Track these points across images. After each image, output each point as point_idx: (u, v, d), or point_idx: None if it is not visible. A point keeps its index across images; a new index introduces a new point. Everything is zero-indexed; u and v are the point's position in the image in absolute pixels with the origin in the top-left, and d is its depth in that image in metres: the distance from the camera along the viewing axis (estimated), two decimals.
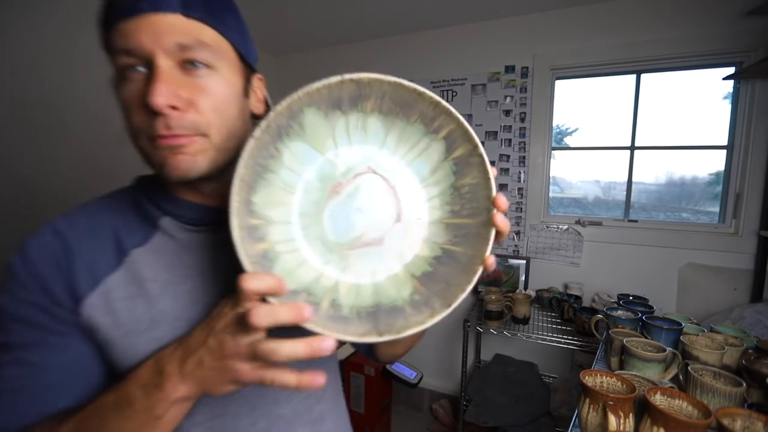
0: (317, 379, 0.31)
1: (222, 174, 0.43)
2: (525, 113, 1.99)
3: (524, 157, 2.01)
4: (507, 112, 2.03)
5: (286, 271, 0.35)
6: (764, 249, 1.58)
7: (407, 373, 1.88)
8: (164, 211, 0.44)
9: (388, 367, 1.86)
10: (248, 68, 0.45)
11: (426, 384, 2.21)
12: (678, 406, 0.68)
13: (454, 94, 2.15)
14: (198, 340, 0.34)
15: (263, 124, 0.33)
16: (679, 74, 1.78)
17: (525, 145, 2.01)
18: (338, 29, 2.19)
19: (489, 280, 2.06)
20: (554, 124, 2.00)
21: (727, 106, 1.72)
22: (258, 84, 0.49)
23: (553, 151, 2.02)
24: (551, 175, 2.03)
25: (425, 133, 0.39)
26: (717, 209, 1.77)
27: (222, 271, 0.45)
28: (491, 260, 0.36)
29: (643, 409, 0.67)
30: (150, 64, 0.37)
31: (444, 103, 0.36)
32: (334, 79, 0.34)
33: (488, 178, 0.37)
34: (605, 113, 1.95)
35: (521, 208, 2.04)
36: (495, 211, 0.37)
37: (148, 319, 0.40)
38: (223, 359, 0.32)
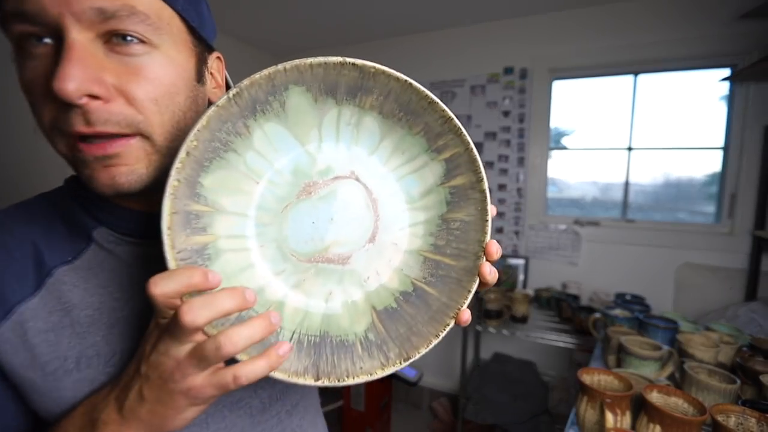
0: (282, 347, 0.27)
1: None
2: (524, 114, 2.01)
3: (523, 158, 2.03)
4: (506, 113, 2.05)
5: (224, 273, 0.29)
6: (758, 249, 1.60)
7: (407, 372, 1.89)
8: (99, 220, 0.36)
9: None
10: (203, 45, 0.36)
11: (426, 382, 2.23)
12: (674, 403, 0.69)
13: (454, 95, 2.16)
14: (130, 372, 0.28)
15: (232, 90, 0.27)
16: (676, 76, 1.79)
17: (524, 145, 2.02)
18: (338, 30, 2.20)
19: None
20: (552, 126, 2.02)
21: (722, 108, 1.74)
22: (217, 65, 0.39)
23: (551, 152, 2.04)
24: (549, 175, 2.05)
25: (426, 149, 0.33)
26: (713, 209, 1.80)
27: None
28: (466, 315, 0.31)
29: (639, 406, 0.69)
30: (59, 36, 0.27)
31: (456, 120, 0.31)
32: (334, 59, 0.28)
33: (485, 220, 0.32)
34: (603, 115, 1.97)
35: (520, 209, 2.06)
36: (483, 259, 0.31)
37: (76, 356, 0.32)
38: (165, 383, 0.26)
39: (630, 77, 1.86)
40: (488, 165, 2.11)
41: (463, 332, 1.78)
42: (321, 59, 0.28)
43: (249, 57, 2.44)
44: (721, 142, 1.73)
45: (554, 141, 2.07)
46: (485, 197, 0.32)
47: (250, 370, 0.26)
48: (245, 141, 0.30)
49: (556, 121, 2.04)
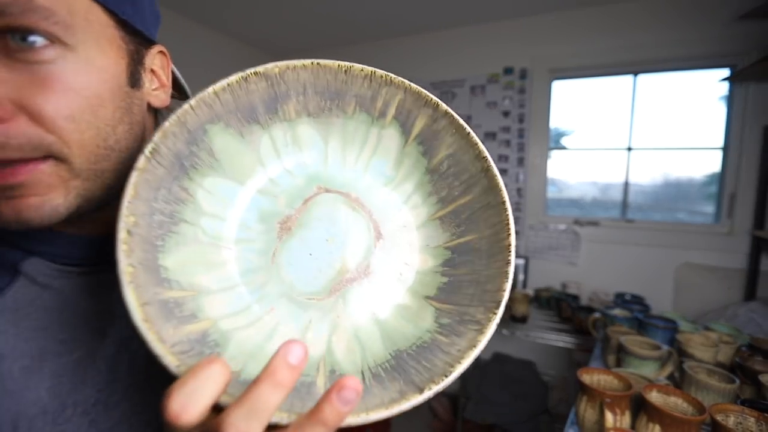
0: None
1: (106, 205, 0.30)
2: (523, 114, 2.01)
3: (523, 158, 2.03)
4: (506, 114, 2.05)
5: (247, 353, 0.24)
6: (757, 249, 1.60)
7: None
8: (27, 249, 0.29)
9: None
10: (139, 40, 0.29)
11: None
12: (673, 403, 0.69)
13: (454, 95, 2.16)
14: None
15: (147, 147, 0.23)
16: (675, 76, 1.80)
17: (524, 146, 2.02)
18: (338, 31, 2.20)
19: None
20: (552, 126, 2.02)
21: (722, 108, 1.74)
22: (160, 61, 0.32)
23: (551, 152, 2.04)
24: (549, 175, 2.05)
25: (371, 122, 0.30)
26: (712, 209, 1.80)
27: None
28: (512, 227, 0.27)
29: (639, 406, 0.69)
30: None
31: (379, 71, 0.28)
32: (235, 77, 0.25)
33: (467, 134, 0.28)
34: (602, 115, 1.97)
35: (520, 209, 2.06)
36: (492, 166, 0.28)
37: (11, 419, 0.26)
38: None
39: (630, 77, 1.87)
40: None
41: None
42: (223, 82, 0.25)
43: (247, 56, 2.44)
44: (720, 143, 1.73)
45: (554, 141, 2.07)
46: (452, 118, 0.28)
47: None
48: (191, 207, 0.26)
49: (555, 122, 2.04)
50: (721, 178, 1.74)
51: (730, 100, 1.70)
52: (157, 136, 0.24)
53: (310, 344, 0.27)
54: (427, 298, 0.29)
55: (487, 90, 2.08)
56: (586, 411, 0.72)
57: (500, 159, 2.08)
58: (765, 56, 1.42)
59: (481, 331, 0.25)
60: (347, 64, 0.28)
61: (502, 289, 0.26)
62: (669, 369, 0.89)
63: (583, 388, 0.74)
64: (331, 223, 0.30)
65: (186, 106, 0.25)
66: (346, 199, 0.31)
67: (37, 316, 0.28)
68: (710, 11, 1.63)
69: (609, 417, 0.67)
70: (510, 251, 0.26)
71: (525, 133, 2.02)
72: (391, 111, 0.30)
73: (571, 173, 2.08)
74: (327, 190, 0.30)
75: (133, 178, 0.22)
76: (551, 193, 2.10)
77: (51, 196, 0.25)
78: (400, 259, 0.30)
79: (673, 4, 1.69)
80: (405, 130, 0.30)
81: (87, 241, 0.31)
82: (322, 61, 0.27)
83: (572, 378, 1.76)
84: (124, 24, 0.27)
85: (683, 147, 1.82)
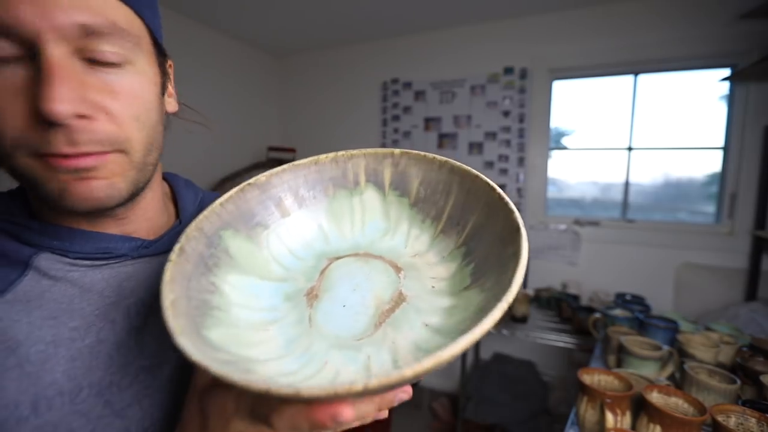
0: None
1: (135, 196, 0.34)
2: (524, 114, 2.01)
3: (523, 158, 2.03)
4: (506, 113, 2.05)
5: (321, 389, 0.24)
6: (758, 249, 1.60)
7: None
8: (38, 245, 0.31)
9: None
10: (162, 54, 0.34)
11: (426, 382, 2.23)
12: (674, 403, 0.69)
13: (454, 95, 2.16)
14: None
15: (176, 246, 0.27)
16: (676, 76, 1.80)
17: (524, 145, 2.02)
18: (338, 31, 2.20)
19: None
20: (552, 126, 2.02)
21: (722, 108, 1.74)
22: (170, 73, 0.37)
23: (551, 152, 2.04)
24: (549, 175, 2.05)
25: (350, 194, 0.36)
26: (713, 209, 1.80)
27: (145, 311, 0.34)
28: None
29: (640, 406, 0.69)
30: (33, 52, 0.25)
31: (340, 153, 0.35)
32: (234, 190, 0.31)
33: (422, 157, 0.33)
34: (603, 115, 1.97)
35: (520, 209, 2.06)
36: (447, 160, 0.33)
37: (31, 400, 0.27)
38: None
39: (630, 77, 1.86)
40: (488, 165, 2.11)
41: None
42: (225, 195, 0.30)
43: (247, 57, 2.44)
44: (721, 142, 1.73)
45: (554, 141, 2.07)
46: (408, 153, 0.34)
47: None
48: (220, 298, 0.28)
49: (556, 121, 2.04)
50: (721, 178, 1.74)
51: (731, 99, 1.69)
52: (182, 238, 0.28)
53: (374, 374, 0.25)
54: (466, 288, 0.30)
55: (488, 90, 2.07)
56: (587, 411, 0.72)
57: (500, 159, 2.08)
58: (765, 56, 1.42)
59: (508, 287, 0.25)
60: (315, 158, 0.33)
61: (517, 238, 0.26)
62: (670, 369, 0.89)
63: (584, 389, 0.73)
64: (352, 277, 0.32)
65: (201, 215, 0.29)
66: (357, 257, 0.34)
67: (47, 307, 0.30)
68: (711, 11, 1.63)
69: (609, 417, 0.67)
70: (503, 200, 0.28)
71: (525, 133, 2.01)
72: (362, 177, 0.35)
73: (571, 173, 2.08)
74: (337, 258, 0.34)
75: (169, 268, 0.26)
76: (551, 193, 2.09)
77: (116, 181, 0.30)
78: (426, 277, 0.32)
79: (674, 4, 1.69)
80: (379, 186, 0.35)
81: (98, 237, 0.33)
82: (297, 162, 0.33)
83: (572, 378, 1.75)
84: (155, 40, 0.32)
85: (684, 147, 1.82)
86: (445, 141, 2.20)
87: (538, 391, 1.79)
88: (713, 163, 1.78)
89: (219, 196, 0.43)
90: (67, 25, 0.25)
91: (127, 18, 0.28)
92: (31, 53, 0.25)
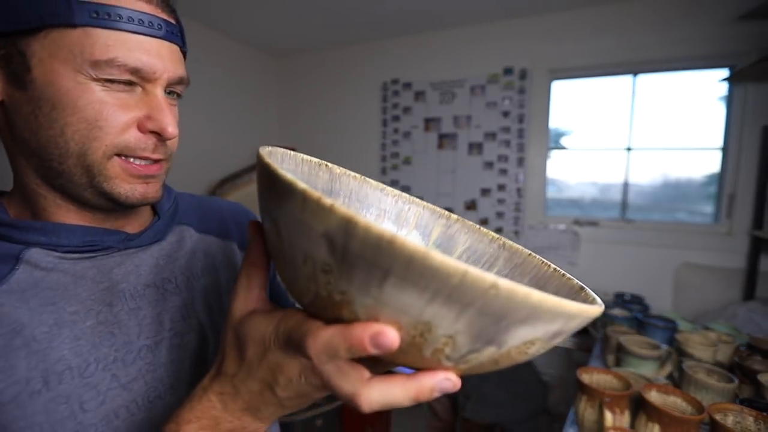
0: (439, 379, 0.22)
1: None
2: (523, 114, 2.01)
3: (522, 158, 2.03)
4: (506, 114, 2.05)
5: None
6: (756, 249, 1.61)
7: (407, 371, 1.90)
8: (26, 242, 0.34)
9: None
10: None
11: None
12: (672, 402, 0.70)
13: (454, 95, 2.16)
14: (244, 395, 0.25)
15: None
16: (675, 77, 1.80)
17: (523, 146, 2.03)
18: (338, 31, 2.20)
19: None
20: (552, 126, 2.03)
21: (721, 108, 1.74)
22: None
23: (550, 152, 2.05)
24: (549, 175, 2.05)
25: (394, 227, 0.37)
26: (711, 210, 1.80)
27: (139, 294, 0.37)
28: None
29: (638, 405, 0.70)
30: (141, 85, 0.34)
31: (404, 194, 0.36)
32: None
33: (477, 229, 0.35)
34: (602, 115, 1.98)
35: (519, 209, 2.06)
36: (503, 239, 0.35)
37: (42, 375, 0.30)
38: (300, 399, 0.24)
39: (629, 78, 1.87)
40: (488, 165, 2.12)
41: None
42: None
43: (247, 57, 2.44)
44: (719, 143, 1.74)
45: (553, 141, 2.08)
46: (462, 221, 0.36)
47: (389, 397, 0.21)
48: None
49: (555, 122, 2.05)
50: (720, 178, 1.75)
51: (730, 100, 1.70)
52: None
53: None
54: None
55: (487, 90, 2.08)
56: (586, 410, 0.72)
57: (500, 159, 2.08)
58: (764, 56, 1.42)
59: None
60: (381, 185, 0.36)
61: (581, 294, 0.27)
62: (668, 368, 0.90)
63: (583, 388, 0.74)
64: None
65: None
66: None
67: (44, 295, 0.32)
68: (709, 11, 1.63)
69: (608, 416, 0.67)
70: (557, 271, 0.29)
71: (525, 133, 2.02)
72: (412, 222, 0.36)
73: (570, 173, 2.09)
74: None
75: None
76: (551, 193, 2.10)
77: (160, 185, 0.38)
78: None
79: (673, 5, 1.69)
80: (424, 235, 0.36)
81: (84, 230, 0.36)
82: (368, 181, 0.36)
83: (572, 377, 1.76)
84: None
85: (683, 147, 1.82)
86: (444, 141, 2.21)
87: (537, 390, 1.79)
88: (712, 163, 1.78)
89: (191, 196, 0.50)
90: (175, 77, 0.35)
91: (185, 71, 0.38)
92: (141, 84, 0.34)
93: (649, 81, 1.84)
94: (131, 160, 0.34)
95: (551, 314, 0.17)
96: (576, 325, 0.19)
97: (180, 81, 0.36)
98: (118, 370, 0.33)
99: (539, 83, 1.97)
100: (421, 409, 2.24)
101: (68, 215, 0.36)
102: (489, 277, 0.15)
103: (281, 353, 0.23)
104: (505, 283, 0.15)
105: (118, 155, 0.34)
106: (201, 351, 0.39)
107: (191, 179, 2.08)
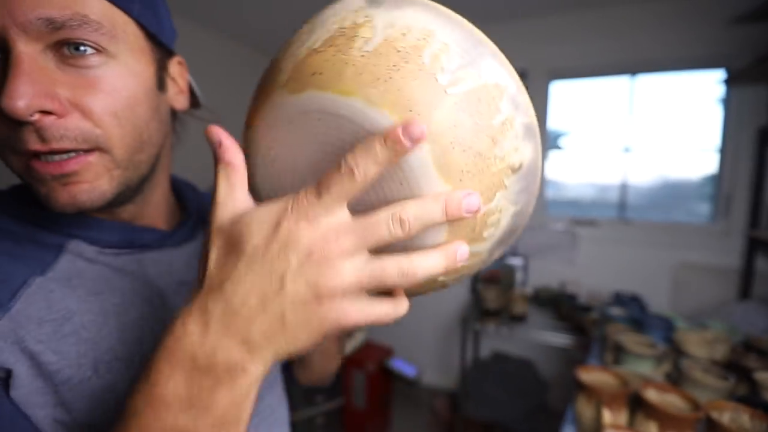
0: (461, 250, 0.22)
1: (138, 193, 0.34)
2: None
3: None
4: None
5: None
6: (752, 248, 1.62)
7: (407, 370, 1.91)
8: (68, 234, 0.32)
9: (388, 364, 1.90)
10: (163, 51, 0.34)
11: (425, 381, 2.25)
12: (670, 400, 0.71)
13: None
14: (261, 288, 0.19)
15: None
16: (673, 79, 1.81)
17: None
18: None
19: (486, 278, 2.09)
20: (550, 127, 2.04)
21: (718, 110, 1.76)
22: (178, 70, 0.37)
23: (549, 153, 2.05)
24: (548, 176, 2.06)
25: None
26: (708, 210, 1.82)
27: (176, 293, 0.36)
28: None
29: (636, 403, 0.71)
30: (4, 49, 0.26)
31: None
32: None
33: None
34: (601, 116, 1.99)
35: None
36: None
37: (92, 362, 0.29)
38: (318, 303, 0.19)
39: (627, 80, 1.88)
40: None
41: (462, 331, 1.80)
42: None
43: (248, 57, 2.44)
44: (716, 144, 1.75)
45: (552, 142, 2.09)
46: None
47: (424, 264, 0.20)
48: None
49: (554, 123, 2.06)
50: (717, 179, 1.76)
51: (727, 102, 1.71)
52: None
53: None
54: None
55: None
56: (584, 408, 0.73)
57: None
58: (759, 59, 1.44)
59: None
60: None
61: None
62: (666, 367, 0.91)
63: (581, 386, 0.75)
64: None
65: None
66: None
67: (88, 285, 0.31)
68: (705, 14, 1.65)
69: (606, 414, 0.68)
70: None
71: None
72: None
73: (569, 174, 2.10)
74: None
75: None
76: (549, 193, 2.11)
77: (99, 182, 0.29)
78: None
79: (669, 7, 1.70)
80: None
81: (122, 227, 0.34)
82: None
83: (570, 376, 1.77)
84: (150, 36, 0.32)
85: (680, 148, 1.83)
86: None
87: (536, 388, 1.81)
88: (709, 164, 1.80)
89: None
90: (32, 20, 0.25)
91: (102, 11, 0.27)
92: (4, 53, 0.26)
93: (646, 82, 1.86)
94: (40, 158, 0.27)
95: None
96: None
97: (56, 25, 0.25)
98: None
99: (538, 84, 1.98)
100: (421, 407, 2.25)
101: (98, 212, 0.33)
102: None
103: (306, 212, 0.19)
104: None
105: (15, 154, 0.27)
106: None
107: (190, 179, 2.08)
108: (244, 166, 0.23)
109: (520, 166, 0.23)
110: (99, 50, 0.28)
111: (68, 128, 0.27)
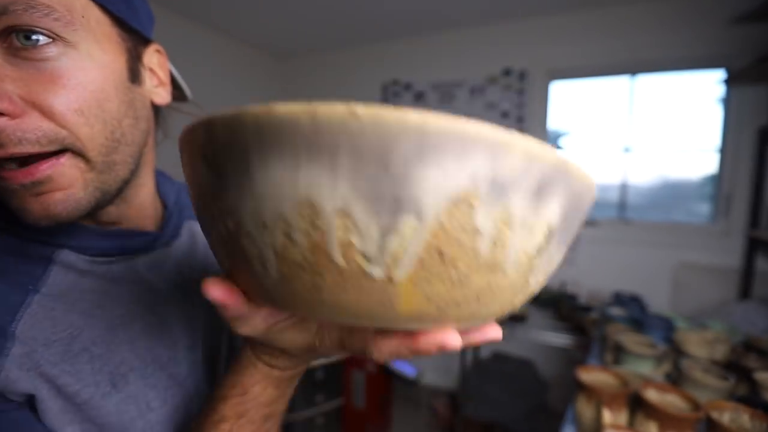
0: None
1: (118, 196, 0.31)
2: (522, 115, 2.02)
3: None
4: (505, 115, 2.06)
5: None
6: (752, 248, 1.62)
7: (407, 371, 1.91)
8: (56, 244, 0.30)
9: (388, 364, 1.90)
10: (135, 38, 0.30)
11: (425, 380, 2.25)
12: (670, 400, 0.71)
13: (453, 96, 2.17)
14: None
15: None
16: (673, 79, 1.81)
17: None
18: (339, 33, 2.20)
19: None
20: (550, 127, 2.04)
21: (719, 110, 1.75)
22: (157, 60, 0.33)
23: None
24: None
25: None
26: (708, 210, 1.82)
27: (174, 296, 0.36)
28: None
29: (636, 403, 0.71)
30: None
31: None
32: None
33: None
34: (601, 116, 1.99)
35: None
36: None
37: (109, 377, 0.29)
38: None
39: (627, 80, 1.88)
40: None
41: None
42: None
43: (248, 59, 2.44)
44: (716, 144, 1.75)
45: (552, 142, 2.09)
46: None
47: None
48: None
49: (554, 123, 2.06)
50: (717, 179, 1.76)
51: (727, 102, 1.71)
52: None
53: None
54: None
55: (487, 91, 2.09)
56: (584, 409, 0.73)
57: None
58: (758, 59, 1.44)
59: None
60: None
61: None
62: (666, 367, 0.91)
63: (581, 386, 0.75)
64: None
65: None
66: None
67: (88, 298, 0.30)
68: (705, 14, 1.65)
69: (606, 414, 0.68)
70: None
71: (524, 134, 2.03)
72: None
73: None
74: None
75: None
76: None
77: (73, 190, 0.26)
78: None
79: (669, 7, 1.70)
80: None
81: (107, 233, 0.33)
82: None
83: (570, 376, 1.77)
84: (119, 22, 0.28)
85: (680, 148, 1.83)
86: None
87: (536, 389, 1.80)
88: (709, 164, 1.80)
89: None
90: None
91: None
92: None
93: (647, 82, 1.86)
94: (4, 166, 0.24)
95: (451, 138, 0.13)
96: (517, 164, 0.14)
97: (4, 9, 0.22)
98: (173, 368, 0.33)
99: (538, 84, 1.98)
100: (421, 407, 2.25)
101: (82, 219, 0.31)
102: (341, 107, 0.12)
103: (346, 352, 0.23)
104: (365, 108, 0.12)
105: None
106: (233, 349, 0.40)
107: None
108: (239, 300, 0.23)
109: (547, 239, 0.17)
110: (54, 39, 0.24)
111: (26, 130, 0.24)
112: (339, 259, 0.15)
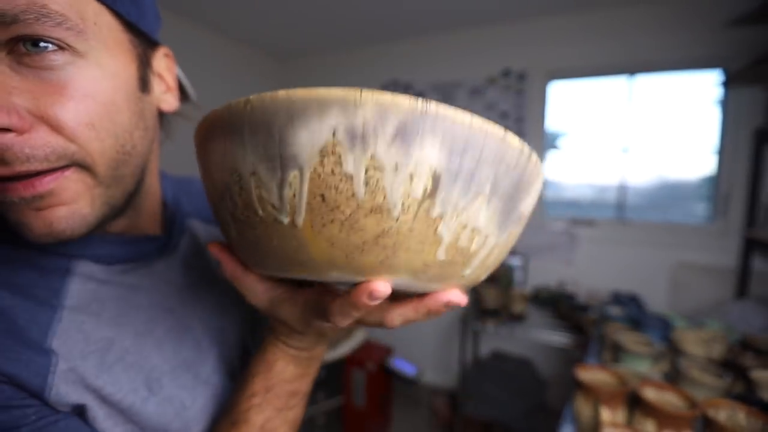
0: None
1: (127, 208, 0.31)
2: (521, 116, 2.03)
3: None
4: (504, 115, 2.07)
5: None
6: (749, 248, 1.63)
7: (407, 369, 1.92)
8: (72, 255, 0.29)
9: (388, 363, 1.90)
10: (144, 42, 0.29)
11: (425, 379, 2.26)
12: (667, 398, 0.72)
13: (453, 97, 2.18)
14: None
15: None
16: (671, 80, 1.82)
17: None
18: (337, 34, 2.21)
19: (486, 278, 2.10)
20: (549, 127, 2.04)
21: (716, 111, 1.76)
22: (165, 64, 0.32)
23: (548, 153, 2.06)
24: (546, 177, 2.07)
25: None
26: (706, 210, 1.83)
27: (191, 298, 0.36)
28: None
29: (634, 402, 0.71)
30: None
31: None
32: None
33: None
34: (599, 117, 1.99)
35: None
36: None
37: (144, 383, 0.30)
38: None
39: (626, 81, 1.89)
40: None
41: (462, 330, 1.81)
42: None
43: (248, 60, 2.44)
44: (714, 145, 1.76)
45: (551, 143, 2.10)
46: None
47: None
48: None
49: (553, 123, 2.06)
50: (715, 179, 1.77)
51: (725, 103, 1.72)
52: None
53: None
54: None
55: (486, 92, 2.09)
56: (583, 407, 0.74)
57: None
58: (755, 60, 1.45)
59: None
60: None
61: None
62: (663, 366, 0.92)
63: (580, 385, 0.76)
64: None
65: None
66: None
67: (111, 306, 0.30)
68: (702, 16, 1.65)
69: (605, 413, 0.69)
70: None
71: (523, 134, 2.04)
72: None
73: (568, 174, 2.11)
74: None
75: None
76: (548, 194, 2.12)
77: (79, 205, 0.25)
78: None
79: (667, 9, 1.71)
80: None
81: (121, 241, 0.32)
82: None
83: (569, 375, 1.78)
84: (130, 26, 0.27)
85: (678, 149, 1.84)
86: None
87: (535, 387, 1.81)
88: (707, 164, 1.81)
89: (177, 181, 0.45)
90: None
91: (65, 0, 0.22)
92: None
93: (645, 83, 1.87)
94: (4, 182, 0.23)
95: (312, 103, 0.16)
96: (370, 115, 0.16)
97: (4, 18, 0.20)
98: (198, 368, 0.34)
99: (537, 85, 1.99)
100: (420, 406, 2.26)
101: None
102: (242, 99, 0.18)
103: (319, 321, 0.26)
104: (254, 96, 0.17)
105: None
106: (244, 342, 0.41)
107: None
108: (243, 269, 0.27)
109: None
110: (63, 47, 0.22)
111: (35, 146, 0.22)
112: (260, 211, 0.19)
